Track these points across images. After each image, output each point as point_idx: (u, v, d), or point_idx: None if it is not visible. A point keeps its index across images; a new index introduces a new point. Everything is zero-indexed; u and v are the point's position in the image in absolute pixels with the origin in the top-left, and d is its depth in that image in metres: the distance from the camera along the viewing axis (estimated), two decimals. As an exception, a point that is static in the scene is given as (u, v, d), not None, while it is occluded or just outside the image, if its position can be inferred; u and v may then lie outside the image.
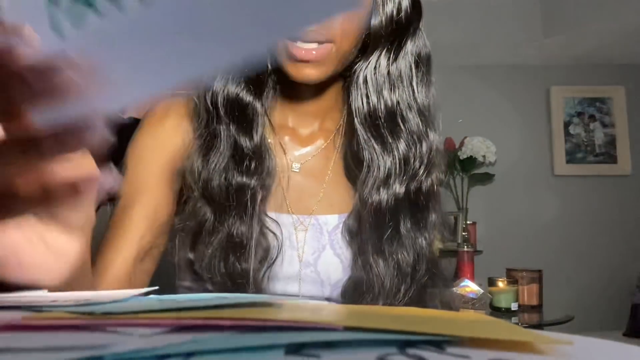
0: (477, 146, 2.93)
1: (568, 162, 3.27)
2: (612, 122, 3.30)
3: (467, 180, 3.06)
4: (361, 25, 0.63)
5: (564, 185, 3.24)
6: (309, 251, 0.69)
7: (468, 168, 3.02)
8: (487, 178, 3.12)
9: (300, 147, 0.73)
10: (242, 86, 0.66)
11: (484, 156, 2.94)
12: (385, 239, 0.65)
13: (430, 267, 0.68)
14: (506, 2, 3.05)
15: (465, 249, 2.42)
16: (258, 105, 0.66)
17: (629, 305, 2.69)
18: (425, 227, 0.67)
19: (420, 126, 0.67)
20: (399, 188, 0.65)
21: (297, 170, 0.71)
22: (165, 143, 0.68)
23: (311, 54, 0.60)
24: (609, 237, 3.14)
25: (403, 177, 0.66)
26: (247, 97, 0.66)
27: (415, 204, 0.67)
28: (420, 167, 0.66)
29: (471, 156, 2.95)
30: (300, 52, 0.60)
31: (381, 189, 0.65)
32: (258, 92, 0.66)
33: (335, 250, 0.69)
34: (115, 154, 0.71)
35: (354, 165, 0.69)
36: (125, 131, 0.74)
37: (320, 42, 0.60)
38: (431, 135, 0.68)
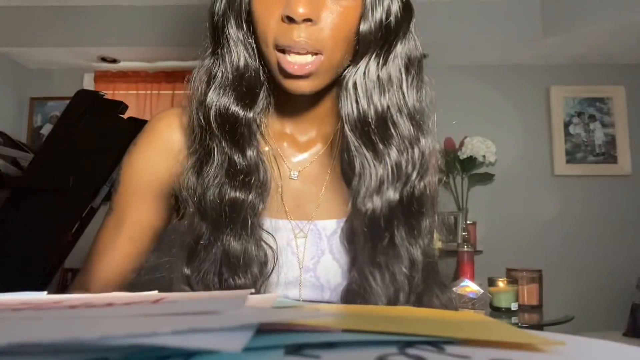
0: (477, 146, 2.93)
1: (568, 162, 3.27)
2: (612, 122, 3.30)
3: (467, 180, 3.06)
4: (352, 33, 0.62)
5: (564, 185, 3.24)
6: (308, 256, 0.68)
7: (468, 168, 3.02)
8: (487, 178, 3.12)
9: (299, 154, 0.72)
10: (234, 100, 0.64)
11: (484, 156, 2.94)
12: (380, 250, 0.63)
13: (427, 274, 0.66)
14: (506, 2, 3.04)
15: (465, 249, 2.42)
16: (251, 118, 0.65)
17: (629, 305, 2.69)
18: (420, 234, 0.65)
19: (412, 130, 0.65)
20: (392, 195, 0.63)
21: (296, 178, 0.71)
22: (155, 165, 0.69)
23: (304, 69, 0.60)
24: (609, 237, 3.14)
25: (396, 183, 0.64)
26: (239, 112, 0.64)
27: (409, 211, 0.65)
28: (412, 172, 0.64)
29: (471, 156, 2.95)
30: (292, 67, 0.59)
31: (374, 197, 0.63)
32: (251, 105, 0.65)
33: (334, 255, 0.69)
34: (119, 153, 0.71)
35: (350, 169, 0.68)
36: (125, 132, 0.74)
37: (310, 53, 0.59)
38: (423, 139, 0.66)
